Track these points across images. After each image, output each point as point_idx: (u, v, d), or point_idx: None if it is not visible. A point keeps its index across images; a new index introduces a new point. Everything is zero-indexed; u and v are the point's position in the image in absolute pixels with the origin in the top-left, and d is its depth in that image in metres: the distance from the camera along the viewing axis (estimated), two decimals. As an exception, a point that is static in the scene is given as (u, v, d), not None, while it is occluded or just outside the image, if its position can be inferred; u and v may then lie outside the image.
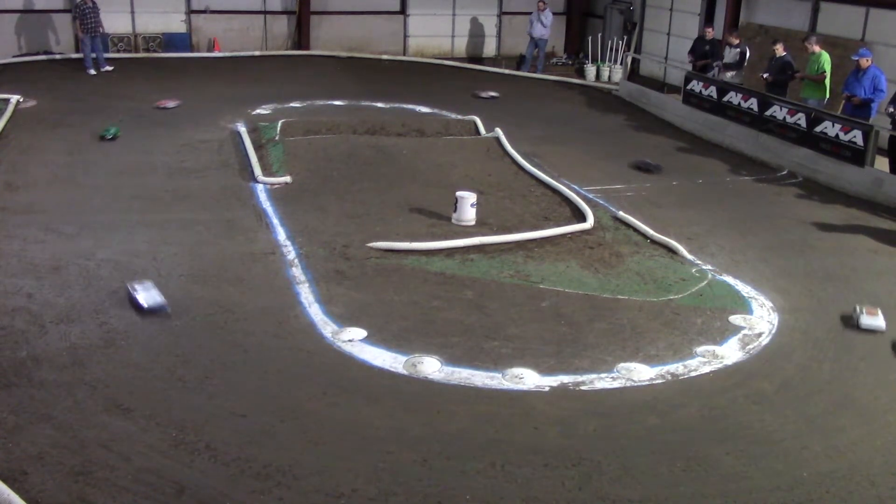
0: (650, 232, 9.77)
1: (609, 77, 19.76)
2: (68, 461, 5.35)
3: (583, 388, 6.62)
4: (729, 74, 15.16)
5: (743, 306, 8.16)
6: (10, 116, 13.50)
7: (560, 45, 22.31)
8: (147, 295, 7.46)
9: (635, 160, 12.81)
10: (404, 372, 6.73)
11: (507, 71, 20.00)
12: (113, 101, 15.15)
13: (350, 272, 8.49)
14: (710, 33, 16.28)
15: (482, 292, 8.20)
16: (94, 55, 17.29)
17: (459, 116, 14.89)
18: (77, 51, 18.42)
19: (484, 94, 17.19)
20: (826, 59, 13.21)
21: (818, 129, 12.64)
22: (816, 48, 13.32)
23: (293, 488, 5.24)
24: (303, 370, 6.72)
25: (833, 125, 12.42)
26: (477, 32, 22.13)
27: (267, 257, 8.78)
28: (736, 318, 7.87)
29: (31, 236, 8.97)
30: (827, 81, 13.32)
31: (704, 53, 16.15)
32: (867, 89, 12.37)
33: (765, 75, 14.13)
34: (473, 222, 9.79)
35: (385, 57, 20.58)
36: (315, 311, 7.64)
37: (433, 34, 21.71)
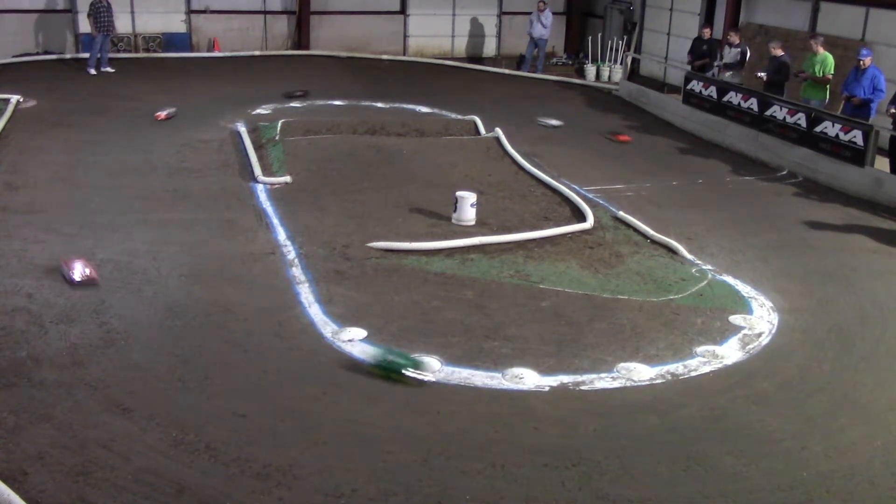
0: (650, 232, 9.77)
1: (609, 77, 19.75)
2: (68, 461, 5.35)
3: (583, 388, 6.62)
4: (728, 74, 15.15)
5: (743, 306, 8.16)
6: (10, 116, 13.50)
7: (560, 45, 22.31)
8: None
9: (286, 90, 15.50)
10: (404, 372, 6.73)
11: (507, 71, 20.00)
12: (113, 101, 15.15)
13: (350, 272, 8.49)
14: (706, 33, 16.28)
15: (482, 292, 8.20)
16: (98, 55, 17.28)
17: (459, 116, 14.89)
18: (78, 51, 18.43)
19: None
20: (831, 62, 13.19)
21: (818, 129, 12.64)
22: (820, 49, 13.30)
23: (293, 488, 5.24)
24: (303, 370, 6.72)
25: (833, 125, 12.42)
26: (477, 32, 22.13)
27: (267, 257, 8.78)
28: (736, 318, 7.87)
29: (31, 236, 8.97)
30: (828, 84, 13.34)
31: (703, 53, 16.16)
32: (866, 89, 12.37)
33: (760, 74, 14.13)
34: (473, 222, 9.79)
35: (385, 57, 20.58)
36: (315, 311, 7.64)
37: (433, 34, 21.71)
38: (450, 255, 8.98)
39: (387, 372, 6.58)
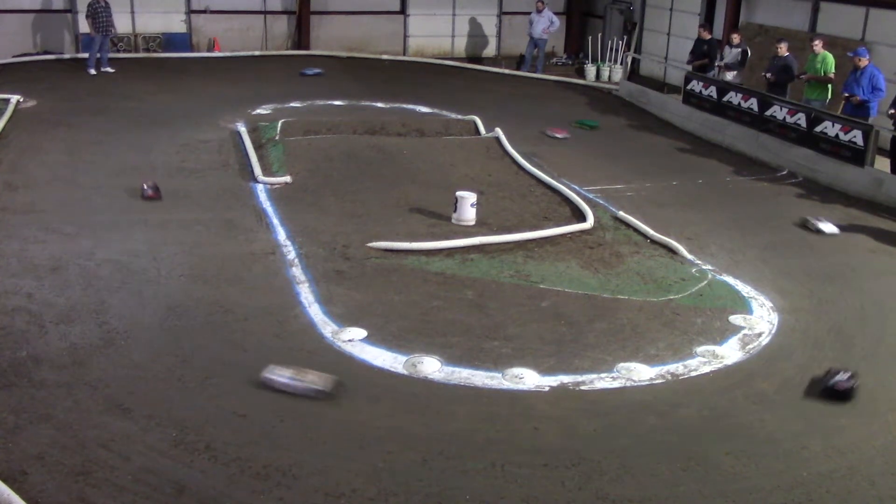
0: (650, 232, 9.77)
1: (609, 77, 19.75)
2: (68, 461, 5.35)
3: (583, 388, 6.62)
4: (730, 75, 15.15)
5: (743, 306, 8.16)
6: (10, 116, 13.49)
7: (560, 45, 22.30)
8: None
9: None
10: (404, 372, 6.74)
11: (507, 71, 20.00)
12: (113, 101, 15.15)
13: (350, 272, 8.49)
14: (702, 33, 16.28)
15: (482, 292, 8.20)
16: (98, 55, 17.28)
17: (459, 116, 14.89)
18: (77, 51, 18.44)
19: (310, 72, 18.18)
20: (831, 62, 13.20)
21: (818, 129, 12.64)
22: (820, 49, 13.30)
23: (293, 488, 5.24)
24: (303, 370, 6.73)
25: (833, 125, 12.42)
26: (477, 32, 22.13)
27: (267, 257, 8.78)
28: (736, 318, 7.87)
29: (31, 236, 8.97)
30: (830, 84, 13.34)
31: (702, 53, 16.16)
32: (865, 89, 12.37)
33: (767, 74, 14.11)
34: (473, 222, 9.79)
35: (385, 57, 20.58)
36: (315, 311, 7.64)
37: (433, 34, 21.70)
38: (450, 255, 8.97)
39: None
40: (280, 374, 6.31)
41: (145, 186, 10.33)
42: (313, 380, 6.28)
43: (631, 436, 6.00)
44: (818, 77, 13.34)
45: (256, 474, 5.34)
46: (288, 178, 11.06)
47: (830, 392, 6.58)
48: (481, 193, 10.38)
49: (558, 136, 14.24)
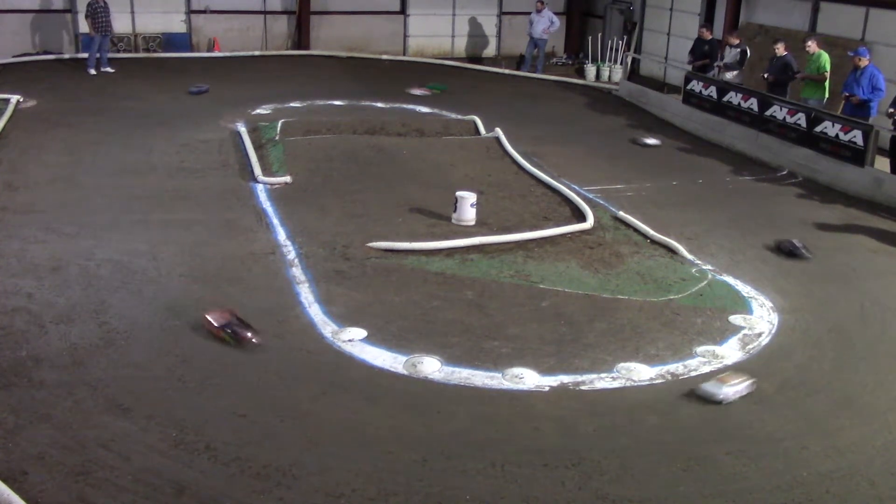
0: (650, 232, 9.77)
1: (609, 77, 19.75)
2: (68, 461, 5.35)
3: (583, 388, 6.62)
4: (729, 75, 15.15)
5: (743, 306, 8.16)
6: (10, 116, 13.49)
7: (560, 45, 22.31)
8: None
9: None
10: (404, 372, 6.74)
11: (507, 71, 20.00)
12: (113, 101, 15.15)
13: (350, 272, 8.49)
14: (703, 34, 16.27)
15: (482, 292, 8.20)
16: (98, 55, 17.28)
17: (459, 116, 14.90)
18: (77, 51, 18.43)
19: None
20: (826, 60, 13.22)
21: (818, 129, 12.64)
22: (815, 48, 13.32)
23: (293, 488, 5.24)
24: (303, 370, 6.73)
25: (833, 125, 12.42)
26: (477, 32, 22.13)
27: (267, 257, 8.78)
28: (736, 318, 7.87)
29: (31, 236, 8.97)
30: (826, 82, 13.33)
31: (704, 53, 16.16)
32: (865, 89, 12.37)
33: (766, 75, 14.11)
34: (473, 222, 9.79)
35: (385, 57, 20.58)
36: (315, 311, 7.64)
37: (433, 34, 21.71)
38: (450, 255, 8.97)
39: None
40: (724, 388, 6.46)
41: (231, 325, 6.96)
42: (737, 380, 6.58)
43: (631, 436, 6.00)
44: (813, 76, 13.35)
45: (256, 474, 5.34)
46: (288, 178, 11.06)
47: (789, 253, 9.40)
48: (481, 193, 10.38)
49: (417, 92, 16.65)
